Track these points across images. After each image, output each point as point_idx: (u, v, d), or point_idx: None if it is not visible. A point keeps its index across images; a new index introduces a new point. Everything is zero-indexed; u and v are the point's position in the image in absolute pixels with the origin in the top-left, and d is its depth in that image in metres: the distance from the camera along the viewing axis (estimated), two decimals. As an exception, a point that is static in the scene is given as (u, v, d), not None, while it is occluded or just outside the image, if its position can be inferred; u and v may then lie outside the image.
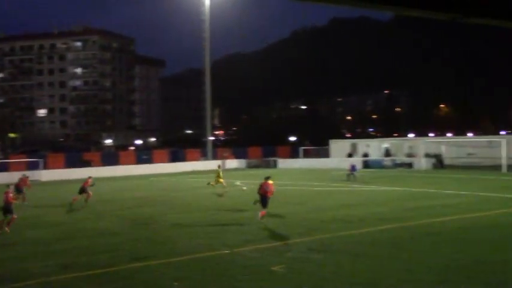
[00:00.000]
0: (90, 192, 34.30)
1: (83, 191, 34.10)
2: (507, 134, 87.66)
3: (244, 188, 36.98)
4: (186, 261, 17.30)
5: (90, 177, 35.67)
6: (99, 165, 69.22)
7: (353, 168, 47.64)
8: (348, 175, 47.25)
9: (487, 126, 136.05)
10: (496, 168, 56.12)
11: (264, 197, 24.92)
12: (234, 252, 18.43)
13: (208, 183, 40.07)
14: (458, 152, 64.81)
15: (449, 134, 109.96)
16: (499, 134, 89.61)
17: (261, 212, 24.73)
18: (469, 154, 63.86)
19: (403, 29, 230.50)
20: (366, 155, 69.91)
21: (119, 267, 16.77)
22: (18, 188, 35.58)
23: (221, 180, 39.63)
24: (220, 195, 37.77)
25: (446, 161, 63.57)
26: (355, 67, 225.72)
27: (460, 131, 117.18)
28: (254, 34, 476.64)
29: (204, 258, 17.60)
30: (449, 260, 16.40)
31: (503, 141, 57.70)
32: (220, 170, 41.40)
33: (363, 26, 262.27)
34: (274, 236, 21.38)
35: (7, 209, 24.28)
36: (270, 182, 25.16)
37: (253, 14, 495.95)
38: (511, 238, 20.00)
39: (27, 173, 45.43)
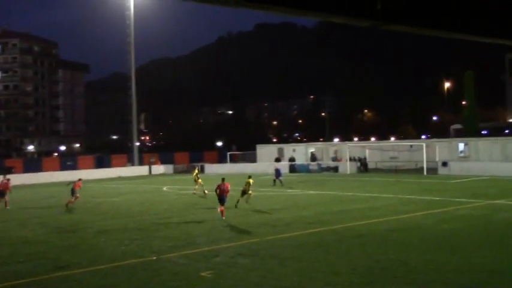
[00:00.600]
0: (78, 195, 35.40)
1: (73, 192, 35.18)
2: (427, 138, 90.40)
3: (207, 191, 37.10)
4: (113, 269, 17.02)
5: (80, 180, 36.60)
6: (21, 172, 67.28)
7: (278, 172, 47.91)
8: (274, 180, 47.53)
9: (408, 130, 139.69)
10: (418, 171, 57.71)
11: (221, 196, 27.53)
12: (162, 258, 18.26)
13: (194, 193, 40.69)
14: (382, 156, 66.24)
15: (372, 139, 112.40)
16: (420, 139, 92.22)
17: (220, 209, 27.24)
18: (392, 158, 65.40)
19: (328, 34, 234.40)
20: (292, 160, 70.54)
21: (42, 276, 16.34)
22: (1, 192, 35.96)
23: (199, 180, 40.89)
24: (203, 196, 38.28)
25: (370, 165, 64.83)
26: (281, 72, 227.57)
27: (383, 136, 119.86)
28: (179, 39, 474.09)
29: (131, 266, 17.36)
30: (375, 262, 16.75)
31: (424, 145, 59.43)
32: (197, 171, 42.69)
33: (289, 31, 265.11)
34: (202, 241, 21.30)
35: None
36: (227, 183, 28.20)
37: (178, 19, 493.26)
38: (434, 239, 20.58)
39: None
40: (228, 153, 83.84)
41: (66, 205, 34.60)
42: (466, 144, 62.14)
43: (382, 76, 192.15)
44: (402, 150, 65.32)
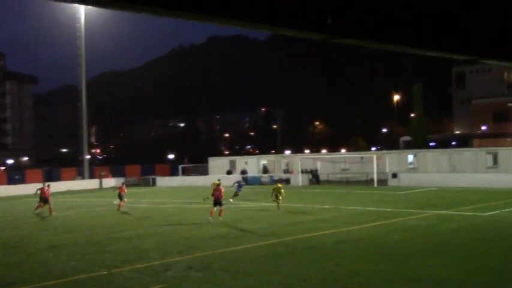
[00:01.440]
0: (125, 200, 39.44)
1: (120, 197, 39.05)
2: (378, 150, 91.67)
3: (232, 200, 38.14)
4: (62, 285, 16.70)
5: (123, 184, 41.24)
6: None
7: (239, 185, 47.82)
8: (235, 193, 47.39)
9: (359, 142, 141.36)
10: (368, 182, 58.44)
11: (218, 199, 31.09)
12: (112, 273, 18.01)
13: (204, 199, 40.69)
14: (333, 168, 66.89)
15: (324, 151, 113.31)
16: (370, 150, 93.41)
17: (213, 211, 30.91)
18: (343, 169, 66.11)
19: (280, 47, 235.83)
20: (244, 172, 70.59)
21: (-11, 293, 15.94)
22: (44, 197, 38.40)
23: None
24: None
25: (322, 177, 65.38)
26: (233, 84, 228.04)
27: (334, 148, 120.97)
28: (131, 51, 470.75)
29: (81, 281, 17.07)
30: (328, 273, 16.85)
31: (374, 157, 60.27)
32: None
33: (241, 44, 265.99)
34: (154, 255, 21.09)
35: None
36: (221, 187, 32.02)
37: (130, 31, 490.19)
38: (384, 250, 20.84)
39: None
40: (180, 166, 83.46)
41: (118, 209, 38.47)
42: (415, 156, 63.26)
43: (333, 88, 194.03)
44: (353, 162, 66.12)
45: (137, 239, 25.42)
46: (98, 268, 18.80)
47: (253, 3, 3.05)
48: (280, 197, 36.22)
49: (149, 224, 31.08)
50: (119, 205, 38.88)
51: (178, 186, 68.23)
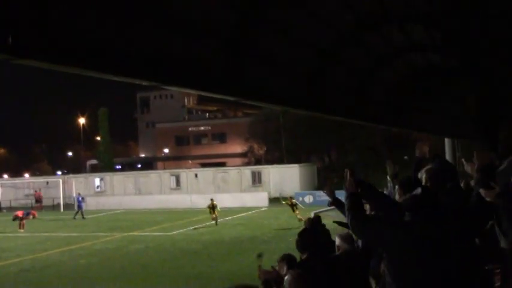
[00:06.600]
0: None
1: None
2: (64, 174, 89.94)
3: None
4: None
5: None
6: None
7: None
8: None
9: (44, 167, 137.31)
10: (55, 207, 57.02)
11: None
12: None
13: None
14: (16, 194, 64.08)
15: (5, 176, 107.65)
16: (56, 175, 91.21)
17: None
18: (27, 195, 63.58)
19: None
20: None
21: None
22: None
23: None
24: None
25: (4, 203, 62.11)
26: None
27: (16, 173, 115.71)
28: None
29: None
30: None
31: (61, 181, 59.17)
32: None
33: None
34: None
35: None
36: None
37: None
38: (71, 275, 20.61)
39: None
40: None
41: None
42: (101, 179, 63.56)
43: (24, 111, 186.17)
44: (38, 187, 63.97)
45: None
46: None
47: None
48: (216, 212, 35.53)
49: None
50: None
51: None
